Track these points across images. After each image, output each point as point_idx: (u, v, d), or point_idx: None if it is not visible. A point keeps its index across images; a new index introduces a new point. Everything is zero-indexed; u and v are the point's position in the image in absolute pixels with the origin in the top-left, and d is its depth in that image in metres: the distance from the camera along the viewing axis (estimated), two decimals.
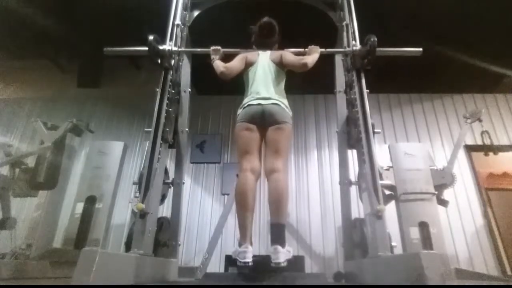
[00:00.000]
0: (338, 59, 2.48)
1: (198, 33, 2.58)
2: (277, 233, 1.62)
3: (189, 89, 2.46)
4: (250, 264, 1.53)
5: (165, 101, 1.96)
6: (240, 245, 1.62)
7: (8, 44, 4.18)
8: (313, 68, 1.92)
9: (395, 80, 4.41)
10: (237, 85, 2.12)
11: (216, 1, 2.68)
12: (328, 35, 2.44)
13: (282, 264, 1.50)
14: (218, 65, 1.98)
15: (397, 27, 2.08)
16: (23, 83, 5.03)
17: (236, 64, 2.01)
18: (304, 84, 3.84)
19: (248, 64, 2.05)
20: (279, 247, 1.53)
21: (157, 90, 2.00)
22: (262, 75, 1.98)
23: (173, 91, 2.12)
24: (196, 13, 2.62)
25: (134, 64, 4.94)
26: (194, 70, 2.55)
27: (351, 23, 2.21)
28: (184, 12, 2.42)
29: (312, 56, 1.99)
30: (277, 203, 1.67)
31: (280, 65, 2.02)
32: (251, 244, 1.62)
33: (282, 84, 2.03)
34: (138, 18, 2.19)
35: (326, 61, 2.54)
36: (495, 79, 4.62)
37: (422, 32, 2.11)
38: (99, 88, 5.03)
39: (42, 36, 4.10)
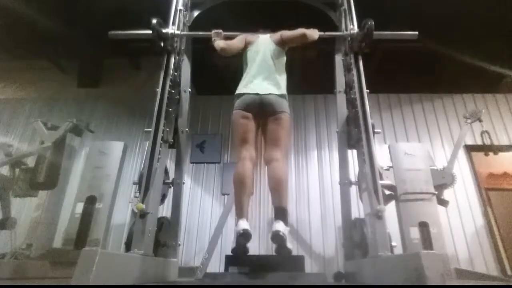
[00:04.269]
0: (338, 59, 2.48)
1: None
2: (279, 212, 1.69)
3: (189, 89, 2.46)
4: (248, 231, 1.59)
5: (165, 99, 1.97)
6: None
7: (8, 44, 4.18)
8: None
9: (395, 80, 4.41)
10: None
11: (216, 1, 2.68)
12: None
13: (280, 234, 1.56)
14: (219, 42, 2.06)
15: (397, 27, 2.09)
16: (23, 83, 5.03)
17: (236, 42, 2.09)
18: (304, 84, 3.84)
19: (248, 44, 2.11)
20: (280, 221, 1.62)
21: (157, 90, 2.00)
22: (262, 56, 2.02)
23: (173, 91, 2.12)
24: (196, 13, 2.62)
25: (134, 64, 4.94)
26: (194, 70, 2.55)
27: (349, 8, 2.26)
28: (185, 12, 2.43)
29: (310, 30, 2.03)
30: (277, 189, 1.74)
31: (280, 44, 2.07)
32: (247, 219, 1.68)
33: (282, 64, 2.07)
34: (139, 18, 2.20)
35: (326, 61, 2.54)
36: (495, 79, 4.61)
37: (422, 32, 2.12)
38: (99, 88, 5.02)
39: (42, 36, 4.10)
